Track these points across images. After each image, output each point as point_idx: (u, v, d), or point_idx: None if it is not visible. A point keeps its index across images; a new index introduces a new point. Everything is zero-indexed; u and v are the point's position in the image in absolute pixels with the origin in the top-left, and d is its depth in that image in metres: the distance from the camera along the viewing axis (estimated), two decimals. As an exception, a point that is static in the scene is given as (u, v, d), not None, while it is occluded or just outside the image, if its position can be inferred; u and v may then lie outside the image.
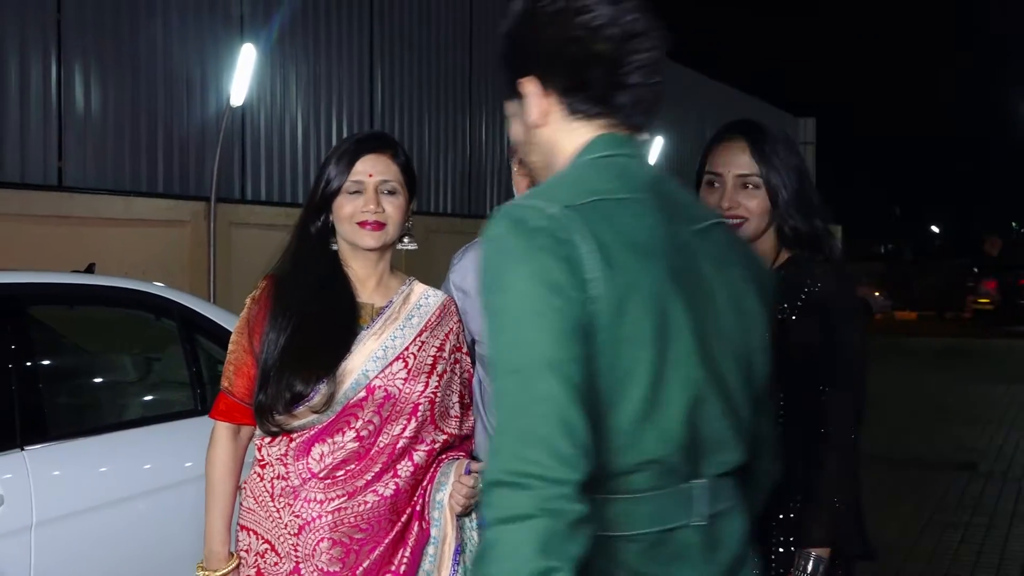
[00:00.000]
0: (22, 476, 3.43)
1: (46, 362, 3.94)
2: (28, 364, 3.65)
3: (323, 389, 2.65)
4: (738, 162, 2.59)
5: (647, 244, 1.60)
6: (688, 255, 1.65)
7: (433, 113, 13.78)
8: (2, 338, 3.59)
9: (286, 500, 2.68)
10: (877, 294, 29.52)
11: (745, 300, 1.72)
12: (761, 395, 1.79)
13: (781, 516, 2.45)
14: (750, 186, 2.57)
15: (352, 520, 2.66)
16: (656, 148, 20.08)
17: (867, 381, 2.57)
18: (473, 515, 2.74)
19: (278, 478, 2.70)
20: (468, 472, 2.71)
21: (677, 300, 1.60)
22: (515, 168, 2.84)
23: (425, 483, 2.75)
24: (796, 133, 27.93)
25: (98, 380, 4.62)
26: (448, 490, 2.72)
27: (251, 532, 2.72)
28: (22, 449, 3.47)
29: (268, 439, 2.73)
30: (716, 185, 2.62)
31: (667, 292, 1.59)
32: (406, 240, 2.84)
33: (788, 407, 2.46)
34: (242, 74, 9.19)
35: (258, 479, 2.71)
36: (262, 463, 2.72)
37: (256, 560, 2.70)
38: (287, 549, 2.68)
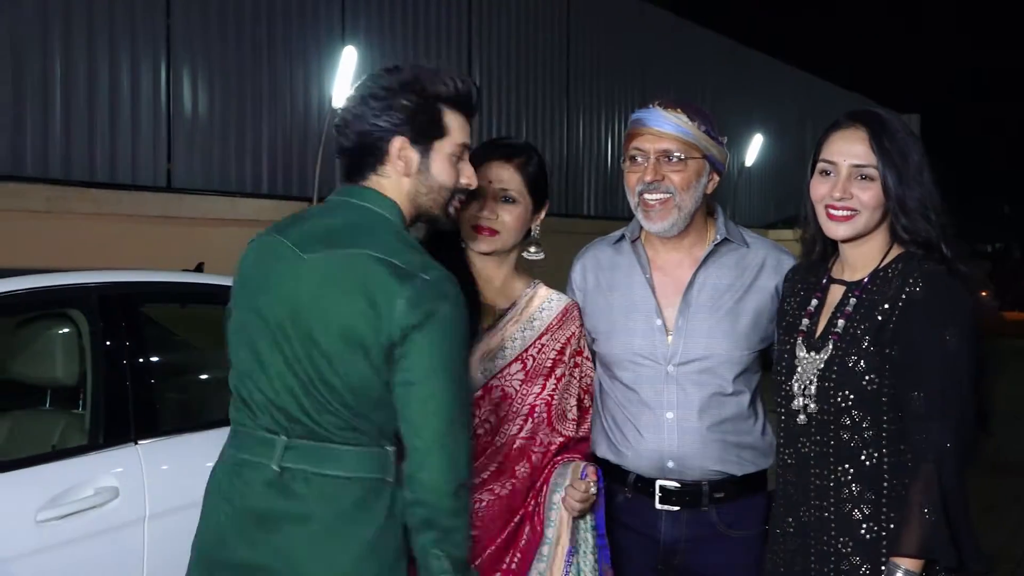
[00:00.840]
0: (136, 469, 3.51)
1: (158, 359, 4.03)
2: (141, 361, 3.74)
3: None
4: (855, 152, 2.48)
5: (246, 272, 2.37)
6: (285, 280, 2.25)
7: (531, 111, 13.80)
8: (117, 335, 3.68)
9: None
10: (984, 294, 28.66)
11: (335, 315, 2.19)
12: (361, 397, 2.21)
13: (892, 527, 2.37)
14: (865, 178, 2.47)
15: None
16: (756, 146, 19.83)
17: (986, 389, 2.45)
18: (588, 517, 2.76)
19: None
20: (584, 476, 2.73)
21: (252, 314, 2.30)
22: (626, 167, 2.85)
23: (539, 484, 2.77)
24: None
25: (207, 376, 4.71)
26: (563, 492, 2.74)
27: None
28: (136, 443, 3.56)
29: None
30: (829, 174, 2.52)
31: (246, 307, 2.33)
32: (533, 250, 2.89)
33: (890, 411, 2.40)
34: (343, 76, 9.31)
35: None
36: None
37: None
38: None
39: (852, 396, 2.43)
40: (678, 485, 2.78)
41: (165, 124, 8.55)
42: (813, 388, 2.49)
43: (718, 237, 2.85)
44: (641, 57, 16.13)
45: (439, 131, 2.35)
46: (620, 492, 2.85)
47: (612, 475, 2.85)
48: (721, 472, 2.78)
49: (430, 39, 12.01)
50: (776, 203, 21.36)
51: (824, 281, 2.61)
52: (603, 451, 2.89)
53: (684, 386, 2.77)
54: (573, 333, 2.88)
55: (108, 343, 3.65)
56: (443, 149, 2.36)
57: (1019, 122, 50.24)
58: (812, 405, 2.49)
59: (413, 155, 2.33)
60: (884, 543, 2.38)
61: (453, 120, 2.37)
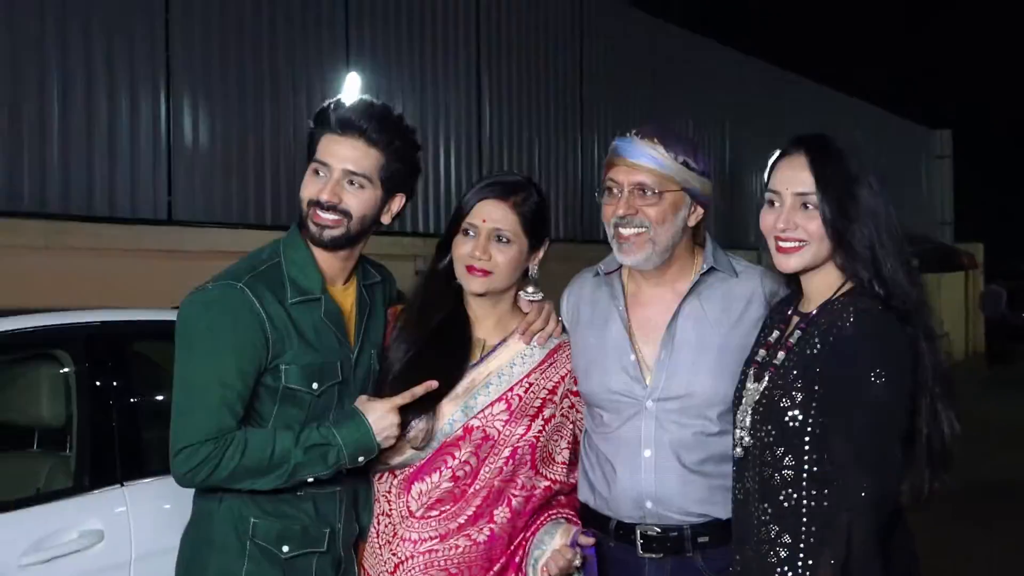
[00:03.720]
0: (121, 512, 3.48)
1: (147, 398, 3.99)
2: (128, 401, 3.70)
3: (420, 424, 2.65)
4: (798, 179, 2.38)
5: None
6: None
7: (543, 136, 13.72)
8: (104, 376, 3.65)
9: (387, 537, 2.70)
10: None
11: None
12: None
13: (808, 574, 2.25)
14: (810, 206, 2.37)
15: (442, 563, 2.64)
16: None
17: (941, 424, 2.32)
18: None
19: (383, 515, 2.72)
20: (574, 544, 2.63)
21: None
22: (602, 198, 2.79)
23: (528, 534, 2.70)
24: (931, 146, 26.49)
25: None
26: (547, 551, 2.66)
27: (361, 567, 2.74)
28: (122, 485, 3.52)
29: (377, 475, 2.75)
30: (775, 204, 2.43)
31: None
32: (530, 290, 2.82)
33: (814, 452, 2.28)
34: (349, 102, 9.19)
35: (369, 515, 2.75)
36: (375, 498, 2.74)
37: None
38: None
39: (774, 432, 2.33)
40: (659, 530, 2.67)
41: (165, 155, 8.49)
42: (748, 420, 2.41)
43: (704, 267, 2.74)
44: (658, 78, 16.05)
45: (312, 151, 2.64)
46: (603, 541, 2.73)
47: (594, 523, 2.76)
48: (704, 515, 2.66)
49: (437, 65, 11.96)
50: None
51: (789, 312, 2.52)
52: (584, 494, 2.80)
53: (663, 423, 2.67)
54: (568, 371, 2.81)
55: (94, 384, 3.63)
56: (309, 167, 2.64)
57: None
58: (747, 438, 2.41)
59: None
60: None
61: (321, 140, 2.62)
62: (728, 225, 16.16)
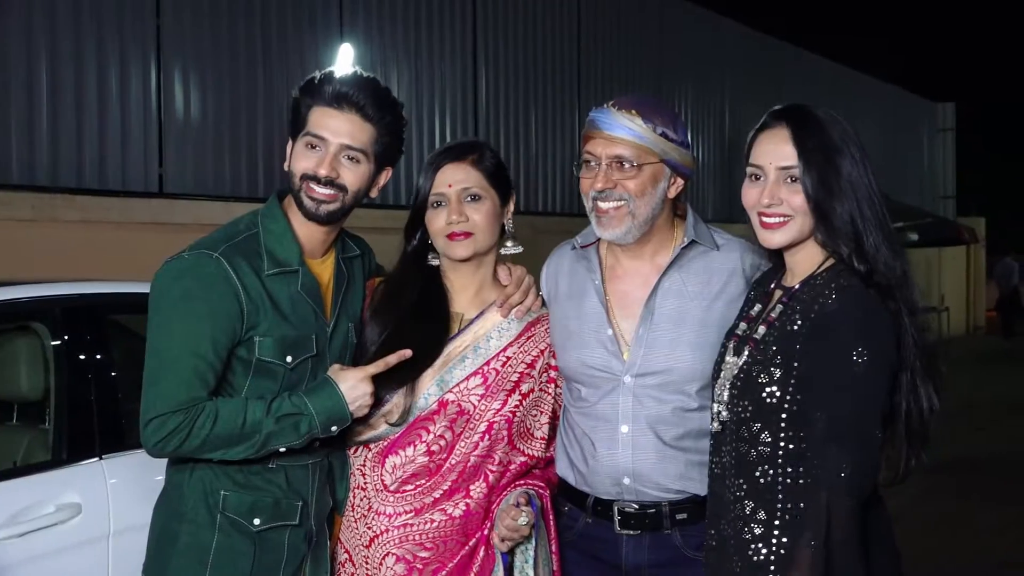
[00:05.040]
0: (100, 485, 3.46)
1: (126, 371, 3.96)
2: (107, 373, 3.67)
3: (395, 399, 2.63)
4: (781, 152, 2.33)
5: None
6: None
7: (539, 108, 13.63)
8: (81, 348, 3.62)
9: (361, 511, 2.69)
10: None
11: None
12: None
13: (783, 552, 2.21)
14: (795, 180, 2.32)
15: (417, 538, 2.63)
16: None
17: (922, 405, 2.28)
18: (529, 551, 2.66)
19: (358, 488, 2.71)
20: (518, 504, 2.61)
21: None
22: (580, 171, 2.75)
23: (495, 507, 2.69)
24: (934, 119, 26.23)
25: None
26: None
27: (338, 540, 2.74)
28: (100, 458, 3.50)
29: (353, 449, 2.73)
30: (758, 179, 2.38)
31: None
32: (509, 244, 2.80)
33: (790, 428, 2.24)
34: (340, 75, 9.09)
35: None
36: (350, 472, 2.72)
37: (339, 569, 2.72)
38: (360, 560, 2.69)
39: (751, 408, 2.29)
40: (636, 507, 2.65)
41: (156, 127, 8.41)
42: (726, 395, 2.38)
43: (685, 240, 2.71)
44: (657, 49, 15.92)
45: (300, 123, 2.60)
46: (581, 517, 2.73)
47: (573, 499, 2.75)
48: (682, 491, 2.64)
49: (432, 35, 11.87)
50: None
51: (772, 286, 2.48)
52: (563, 469, 2.78)
53: (641, 399, 2.64)
54: (548, 345, 2.79)
55: (71, 356, 3.61)
56: (300, 140, 2.59)
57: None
58: (724, 412, 2.38)
59: (288, 150, 2.65)
60: (772, 567, 2.22)
61: (314, 113, 2.58)
62: (728, 197, 16.08)
